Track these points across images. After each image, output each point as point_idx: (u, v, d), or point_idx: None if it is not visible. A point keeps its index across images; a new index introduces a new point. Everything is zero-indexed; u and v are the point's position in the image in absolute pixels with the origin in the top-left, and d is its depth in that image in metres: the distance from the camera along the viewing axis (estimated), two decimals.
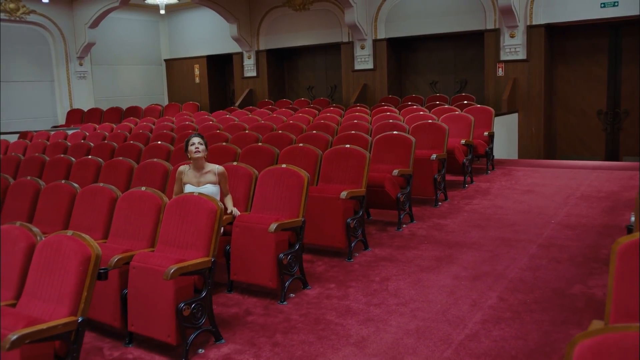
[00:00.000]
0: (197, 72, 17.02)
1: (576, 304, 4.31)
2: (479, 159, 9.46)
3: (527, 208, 6.93)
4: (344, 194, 5.40)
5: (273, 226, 4.53)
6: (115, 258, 3.95)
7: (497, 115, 10.48)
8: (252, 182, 5.20)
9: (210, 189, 4.89)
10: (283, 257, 4.64)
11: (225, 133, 8.29)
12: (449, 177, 8.39)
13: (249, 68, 15.66)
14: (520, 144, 11.64)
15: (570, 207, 6.84)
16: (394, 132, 6.91)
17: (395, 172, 6.32)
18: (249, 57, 15.60)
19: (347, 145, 6.00)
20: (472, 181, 8.39)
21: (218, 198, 4.92)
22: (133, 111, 14.98)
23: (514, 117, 11.54)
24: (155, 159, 6.20)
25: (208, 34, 16.49)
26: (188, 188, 4.88)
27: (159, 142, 7.67)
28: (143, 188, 4.54)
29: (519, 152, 11.58)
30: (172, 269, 3.66)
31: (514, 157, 11.47)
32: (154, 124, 11.20)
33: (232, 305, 4.69)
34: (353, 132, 7.20)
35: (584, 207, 6.81)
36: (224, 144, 7.05)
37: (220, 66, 17.10)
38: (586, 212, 6.64)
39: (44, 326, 3.00)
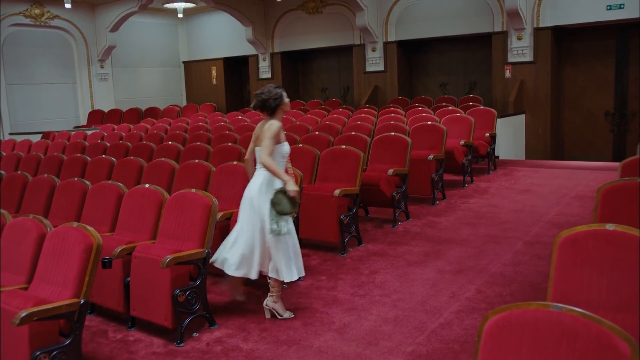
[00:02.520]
0: (214, 73, 17.47)
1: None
2: (483, 159, 9.70)
3: (521, 207, 7.18)
4: (337, 192, 5.73)
5: None
6: (119, 249, 4.33)
7: (504, 116, 10.73)
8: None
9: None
10: None
11: (235, 134, 8.65)
12: (450, 177, 8.67)
13: (264, 70, 16.05)
14: (527, 145, 11.83)
15: (562, 207, 7.08)
16: (392, 134, 7.21)
17: (391, 171, 6.62)
18: (264, 59, 15.99)
19: (343, 146, 6.33)
20: (472, 181, 8.65)
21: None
22: (152, 112, 15.47)
23: (521, 118, 11.74)
24: (163, 159, 6.58)
25: (224, 37, 16.93)
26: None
27: (170, 143, 8.07)
28: (147, 185, 4.92)
29: (526, 153, 11.77)
30: (168, 258, 4.02)
31: (521, 157, 11.66)
32: (169, 125, 11.63)
33: (228, 294, 5.03)
34: (353, 133, 7.51)
35: (576, 207, 7.04)
36: (230, 144, 7.41)
37: (236, 68, 17.53)
38: (577, 211, 6.87)
39: (49, 306, 3.38)
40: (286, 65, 15.93)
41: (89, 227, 3.74)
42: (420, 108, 10.37)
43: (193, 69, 18.05)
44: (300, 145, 6.71)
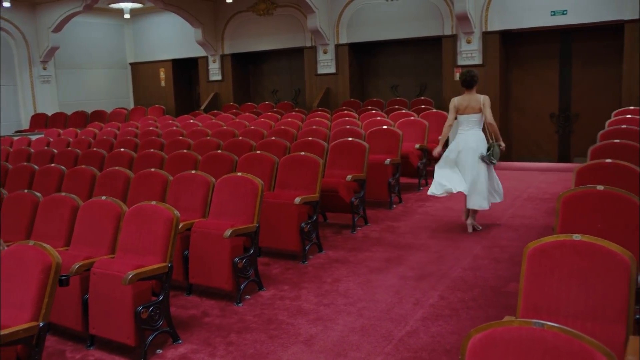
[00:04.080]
0: (162, 75, 17.13)
1: (510, 301, 4.66)
2: (437, 161, 9.80)
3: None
4: (297, 200, 5.69)
5: (228, 232, 4.79)
6: (77, 265, 4.17)
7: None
8: (210, 190, 5.44)
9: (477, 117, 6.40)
10: (238, 261, 4.90)
11: (188, 139, 8.50)
12: (405, 180, 8.75)
13: (214, 72, 15.84)
14: None
15: (516, 209, 7.24)
16: (349, 139, 7.22)
17: (349, 177, 6.63)
18: (214, 61, 15.78)
19: (302, 153, 6.29)
20: (427, 184, 8.74)
21: (482, 124, 6.48)
22: (98, 115, 15.04)
23: None
24: (117, 167, 6.39)
25: (173, 38, 16.61)
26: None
27: (122, 150, 7.85)
28: (103, 197, 4.76)
29: None
30: (130, 274, 3.90)
31: None
32: (118, 129, 11.34)
33: (191, 307, 4.93)
34: (310, 138, 7.48)
35: (529, 209, 7.22)
36: (185, 151, 7.27)
37: (185, 70, 17.24)
38: (530, 213, 7.04)
39: (6, 331, 3.21)
40: (237, 67, 15.76)
41: (46, 246, 3.58)
42: (373, 111, 10.44)
43: (141, 71, 17.65)
44: (258, 152, 6.63)
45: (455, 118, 6.56)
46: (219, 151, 6.95)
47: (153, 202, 4.46)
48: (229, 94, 15.62)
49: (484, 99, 6.37)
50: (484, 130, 6.50)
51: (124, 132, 10.42)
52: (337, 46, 13.66)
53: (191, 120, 11.38)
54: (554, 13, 11.02)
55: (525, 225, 6.56)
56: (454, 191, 6.32)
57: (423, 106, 10.91)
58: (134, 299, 3.99)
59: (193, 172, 5.66)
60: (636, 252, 3.74)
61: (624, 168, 4.73)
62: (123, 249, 4.39)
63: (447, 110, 11.30)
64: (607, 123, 7.66)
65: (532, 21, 11.27)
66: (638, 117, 7.53)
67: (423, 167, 8.57)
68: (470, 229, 6.45)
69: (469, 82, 6.39)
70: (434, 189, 6.39)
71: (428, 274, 5.34)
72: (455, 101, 6.50)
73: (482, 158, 6.32)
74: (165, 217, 4.28)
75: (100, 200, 4.74)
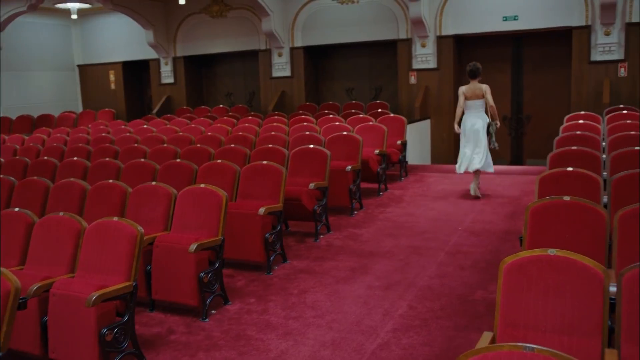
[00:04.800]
0: (112, 78, 16.69)
1: (477, 309, 4.70)
2: (393, 165, 9.87)
3: (437, 215, 7.36)
4: (261, 210, 5.59)
5: (193, 246, 4.67)
6: (35, 286, 3.97)
7: (411, 122, 10.98)
8: (172, 202, 5.29)
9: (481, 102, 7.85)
10: (204, 276, 4.77)
11: (143, 147, 8.27)
12: (364, 185, 8.74)
13: (167, 75, 15.53)
14: (432, 149, 12.21)
15: (475, 214, 7.33)
16: (310, 146, 7.16)
17: (312, 185, 6.57)
18: (166, 64, 15.47)
19: (264, 162, 6.20)
20: (386, 189, 8.78)
21: (484, 107, 7.90)
22: (45, 120, 14.53)
23: (427, 123, 12.09)
24: (72, 179, 6.15)
25: (123, 40, 16.19)
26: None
27: (75, 158, 7.58)
28: (61, 213, 4.56)
29: (432, 157, 12.14)
30: (94, 295, 3.74)
31: (427, 161, 12.02)
32: (68, 135, 10.96)
33: (155, 324, 4.78)
34: (270, 145, 7.39)
35: (488, 213, 7.31)
36: (143, 160, 7.06)
37: (136, 72, 16.84)
38: (490, 217, 7.14)
39: None
40: (189, 69, 15.50)
41: (4, 270, 3.39)
42: (331, 116, 10.41)
43: (89, 73, 17.15)
44: (219, 161, 6.49)
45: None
46: (178, 160, 6.78)
47: (115, 218, 4.29)
48: (182, 97, 15.35)
49: (485, 87, 7.88)
50: (485, 112, 7.95)
51: (75, 139, 10.07)
52: (292, 49, 13.60)
53: (145, 126, 11.09)
54: (505, 18, 11.26)
55: (486, 230, 6.64)
56: (471, 170, 7.98)
57: (380, 110, 10.94)
58: (97, 320, 3.82)
59: (153, 183, 5.49)
60: (602, 261, 3.82)
61: (585, 176, 4.83)
62: (84, 267, 4.21)
63: (403, 114, 11.54)
64: (561, 128, 7.84)
65: (484, 26, 11.49)
66: (590, 122, 7.74)
67: (382, 172, 8.59)
68: (472, 192, 8.03)
69: (473, 72, 7.90)
70: (458, 169, 8.17)
71: (395, 282, 5.33)
72: (462, 89, 8.03)
73: (488, 132, 7.90)
74: (129, 234, 4.13)
75: (58, 216, 4.54)
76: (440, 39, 11.90)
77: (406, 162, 9.74)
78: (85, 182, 6.11)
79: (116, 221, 4.25)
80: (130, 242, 4.10)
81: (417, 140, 11.47)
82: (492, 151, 8.16)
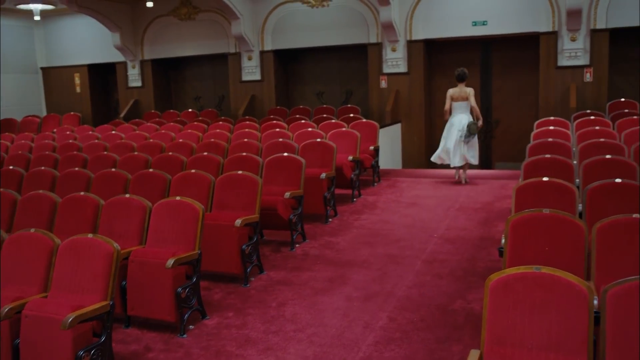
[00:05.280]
0: (77, 81, 16.33)
1: (457, 320, 4.71)
2: (365, 170, 9.87)
3: (412, 222, 7.37)
4: (238, 222, 5.52)
5: (170, 261, 4.57)
6: (6, 308, 3.85)
7: (382, 126, 11.01)
8: (146, 215, 5.18)
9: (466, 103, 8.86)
10: (181, 291, 4.68)
11: (113, 154, 8.10)
12: (338, 191, 8.71)
13: (134, 78, 15.26)
14: (403, 153, 12.26)
15: (450, 220, 7.37)
16: (285, 154, 7.11)
17: (287, 194, 6.52)
18: (134, 67, 15.20)
19: (240, 172, 6.12)
20: (359, 195, 8.77)
21: (469, 108, 8.91)
22: (7, 124, 14.12)
23: (398, 127, 12.14)
24: (40, 191, 5.97)
25: (89, 42, 15.82)
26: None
27: (42, 168, 7.38)
28: (32, 230, 4.42)
29: (403, 161, 12.20)
30: (70, 317, 3.63)
31: (399, 165, 12.07)
32: (32, 141, 10.68)
33: (131, 341, 4.67)
34: (244, 154, 7.31)
35: (462, 220, 7.36)
36: (114, 170, 6.91)
37: (102, 75, 16.50)
38: (464, 224, 7.18)
39: None
40: (157, 73, 15.25)
41: None
42: (303, 121, 10.37)
43: (53, 76, 16.74)
44: (193, 170, 6.38)
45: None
46: (150, 170, 6.64)
47: (90, 235, 4.18)
48: (150, 101, 15.11)
49: (469, 91, 8.90)
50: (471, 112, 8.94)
51: (41, 146, 9.81)
52: (262, 53, 13.51)
53: (113, 132, 10.87)
54: (475, 23, 11.38)
55: (461, 238, 6.68)
56: (449, 164, 9.08)
57: (351, 115, 10.93)
58: (74, 342, 3.72)
59: (127, 196, 5.37)
60: (582, 273, 3.86)
61: (561, 186, 4.89)
62: (57, 287, 4.09)
63: (374, 118, 11.58)
64: (532, 135, 7.94)
65: (454, 31, 11.59)
66: (560, 128, 7.86)
67: (356, 178, 8.58)
68: (462, 181, 9.14)
69: (461, 76, 8.93)
70: (435, 159, 9.33)
71: (373, 293, 5.31)
72: (450, 91, 9.03)
73: (468, 129, 8.77)
74: (105, 252, 4.03)
75: (29, 233, 4.40)
76: (411, 44, 11.96)
77: (378, 167, 9.75)
78: (54, 194, 5.94)
79: (91, 238, 4.14)
80: (106, 260, 4.00)
81: (389, 144, 11.50)
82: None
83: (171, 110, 14.28)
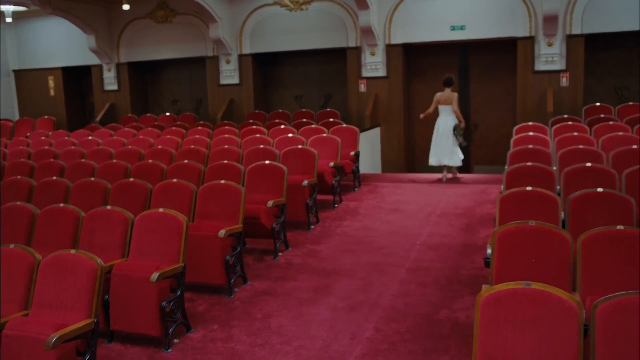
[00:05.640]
0: (51, 84, 16.05)
1: (443, 330, 4.73)
2: (346, 175, 9.86)
3: (394, 228, 7.38)
4: (222, 233, 5.47)
5: (155, 275, 4.51)
6: None
7: (362, 130, 11.01)
8: (128, 227, 5.10)
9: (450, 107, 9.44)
10: (166, 305, 4.62)
11: (91, 162, 7.97)
12: (319, 197, 8.66)
13: (110, 81, 15.05)
14: (382, 157, 12.29)
15: (432, 226, 7.39)
16: (267, 162, 7.07)
17: (270, 203, 6.48)
18: (109, 70, 15.00)
19: (222, 181, 6.07)
20: (341, 200, 8.76)
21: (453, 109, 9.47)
22: None
23: (377, 131, 12.16)
24: (18, 202, 5.85)
25: (63, 44, 15.55)
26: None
27: (18, 177, 7.22)
28: (12, 245, 4.32)
29: (382, 165, 12.22)
30: (54, 337, 3.55)
31: (378, 169, 12.09)
32: (6, 147, 10.47)
33: (115, 357, 4.60)
34: (225, 161, 7.25)
35: (444, 226, 7.39)
36: (93, 179, 6.79)
37: (77, 78, 16.24)
38: (446, 230, 7.21)
39: None
40: (134, 76, 15.06)
41: None
42: (282, 126, 10.31)
43: (26, 79, 16.43)
44: (174, 180, 6.30)
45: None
46: (131, 179, 6.54)
47: (72, 251, 4.10)
48: (127, 105, 14.92)
49: (454, 95, 9.48)
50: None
51: (15, 152, 9.60)
52: (241, 56, 13.43)
53: (90, 137, 10.71)
54: (453, 28, 11.45)
55: (444, 244, 6.70)
56: (443, 163, 9.59)
57: (331, 119, 10.92)
58: None
59: (109, 207, 5.28)
60: (568, 284, 3.90)
61: (544, 196, 4.93)
62: (39, 304, 4.01)
63: (353, 122, 11.60)
64: (512, 141, 8.01)
65: (433, 35, 11.65)
66: (539, 134, 7.94)
67: (337, 184, 8.57)
68: (449, 177, 9.78)
69: (448, 82, 9.52)
70: (431, 161, 9.74)
71: (359, 303, 5.30)
72: (437, 95, 9.63)
73: (454, 133, 9.44)
74: (88, 268, 3.95)
75: (9, 248, 4.30)
76: (390, 48, 11.99)
77: (359, 172, 9.75)
78: (32, 205, 5.81)
79: (74, 254, 4.06)
80: (90, 277, 3.93)
81: (368, 148, 11.51)
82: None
83: (148, 114, 14.13)
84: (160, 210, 5.07)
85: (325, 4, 12.43)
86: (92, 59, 15.03)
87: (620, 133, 7.53)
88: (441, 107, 9.60)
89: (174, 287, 4.81)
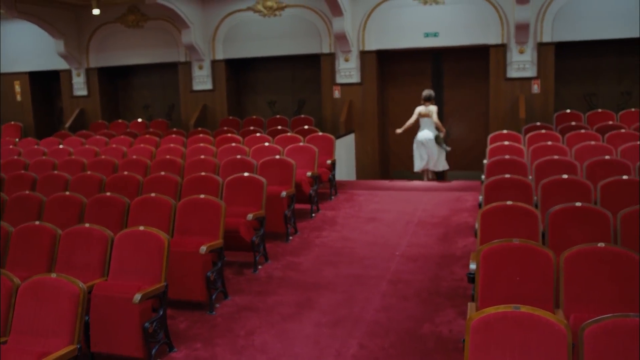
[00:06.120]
0: (18, 89, 15.68)
1: (427, 345, 4.76)
2: (322, 183, 9.86)
3: (373, 239, 7.40)
4: (203, 249, 5.42)
5: (137, 296, 4.44)
6: None
7: (336, 137, 11.01)
8: (108, 246, 5.01)
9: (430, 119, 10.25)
10: (148, 326, 4.56)
11: (64, 174, 7.80)
12: (296, 206, 8.66)
13: (79, 86, 14.77)
14: (357, 163, 12.32)
15: (410, 236, 7.43)
16: (245, 174, 7.02)
17: (250, 216, 6.44)
18: (79, 75, 14.71)
19: (202, 196, 6.01)
20: (318, 209, 8.75)
21: (433, 124, 10.25)
22: None
23: (351, 137, 12.20)
24: None
25: (30, 49, 15.17)
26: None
27: None
28: None
29: (357, 172, 12.26)
30: None
31: (353, 176, 12.12)
32: None
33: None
34: (203, 173, 7.18)
35: (422, 236, 7.44)
36: (67, 193, 6.66)
37: (45, 83, 15.89)
38: (424, 240, 7.26)
39: None
40: (104, 81, 14.80)
41: None
42: (257, 134, 10.25)
43: None
44: (152, 194, 6.21)
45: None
46: (108, 194, 6.43)
47: (53, 275, 4.01)
48: (97, 110, 14.66)
49: (433, 108, 10.27)
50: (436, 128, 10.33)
51: None
52: (214, 62, 13.32)
53: (60, 146, 10.50)
54: (426, 35, 11.54)
55: (423, 256, 6.75)
56: (428, 167, 10.42)
57: (306, 127, 10.91)
58: None
59: (87, 225, 5.18)
60: (551, 302, 3.96)
61: (524, 210, 5.00)
62: (18, 331, 3.91)
63: (328, 129, 11.63)
64: (487, 150, 8.11)
65: (406, 42, 11.74)
66: (514, 144, 8.06)
67: (315, 193, 8.57)
68: (429, 177, 10.63)
69: (427, 98, 10.32)
70: (416, 168, 10.54)
71: (342, 318, 5.30)
72: (418, 109, 10.40)
73: (436, 141, 10.23)
74: (70, 292, 3.88)
75: None
76: (364, 54, 12.04)
77: (335, 180, 9.76)
78: (5, 222, 5.67)
79: (55, 278, 3.97)
80: (72, 301, 3.85)
81: (343, 155, 11.53)
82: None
83: (119, 120, 13.92)
84: (141, 228, 4.99)
85: (299, 10, 12.42)
86: (60, 64, 14.74)
87: (592, 142, 7.69)
88: (422, 120, 10.30)
89: (156, 307, 4.75)
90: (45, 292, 3.92)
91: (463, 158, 12.19)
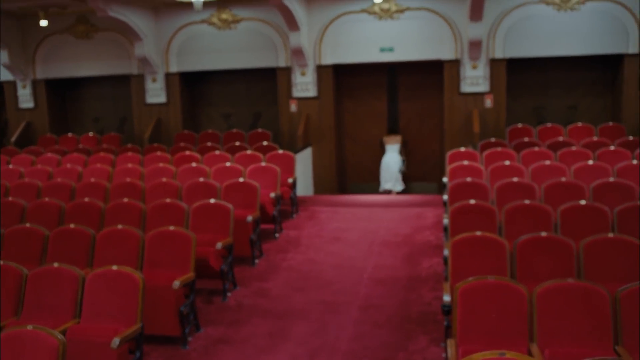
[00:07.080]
0: None
1: None
2: (283, 199, 9.87)
3: (339, 261, 7.46)
4: (176, 284, 5.37)
5: (116, 341, 4.38)
6: None
7: (294, 152, 11.04)
8: (79, 286, 4.90)
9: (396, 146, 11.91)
10: None
11: (19, 200, 7.54)
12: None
13: (25, 98, 14.25)
14: (314, 177, 12.38)
15: (375, 257, 7.54)
16: (212, 201, 6.98)
17: (219, 245, 6.40)
18: (24, 87, 14.21)
19: (172, 228, 5.95)
20: (281, 229, 8.76)
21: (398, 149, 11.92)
22: None
23: (309, 151, 12.24)
24: None
25: None
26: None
27: None
28: None
29: (314, 186, 12.32)
30: None
31: (310, 190, 12.16)
32: None
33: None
34: (168, 200, 7.09)
35: (387, 256, 7.55)
36: (28, 225, 6.44)
37: None
38: (390, 262, 7.38)
39: None
40: (52, 93, 14.33)
41: None
42: (217, 152, 10.15)
43: None
44: (120, 226, 6.08)
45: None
46: (72, 226, 6.25)
47: (29, 327, 3.90)
48: (44, 123, 14.19)
49: (399, 138, 11.97)
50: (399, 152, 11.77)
51: None
52: (167, 75, 13.12)
53: (10, 166, 10.13)
54: (382, 49, 11.71)
55: (390, 278, 6.86)
56: (392, 189, 11.79)
57: (264, 143, 10.88)
58: None
59: (55, 265, 5.04)
60: (526, 335, 4.12)
61: (493, 241, 5.18)
62: None
63: (285, 143, 11.69)
64: (447, 170, 8.30)
65: (362, 56, 11.87)
66: (473, 163, 8.28)
67: (278, 213, 8.58)
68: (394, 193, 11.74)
69: (392, 131, 12.14)
70: (384, 187, 11.89)
71: (317, 348, 5.35)
72: (385, 138, 12.02)
73: (400, 168, 11.77)
74: (49, 346, 3.78)
75: None
76: (320, 68, 12.10)
77: (296, 198, 9.79)
78: None
79: (31, 330, 3.87)
80: (51, 355, 3.75)
81: (301, 169, 11.53)
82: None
83: (69, 134, 13.51)
84: (114, 268, 4.91)
85: (255, 24, 12.37)
86: (4, 75, 14.20)
87: (547, 162, 7.99)
88: (387, 146, 11.95)
89: (133, 349, 4.68)
90: (21, 347, 3.80)
91: (419, 169, 12.44)
